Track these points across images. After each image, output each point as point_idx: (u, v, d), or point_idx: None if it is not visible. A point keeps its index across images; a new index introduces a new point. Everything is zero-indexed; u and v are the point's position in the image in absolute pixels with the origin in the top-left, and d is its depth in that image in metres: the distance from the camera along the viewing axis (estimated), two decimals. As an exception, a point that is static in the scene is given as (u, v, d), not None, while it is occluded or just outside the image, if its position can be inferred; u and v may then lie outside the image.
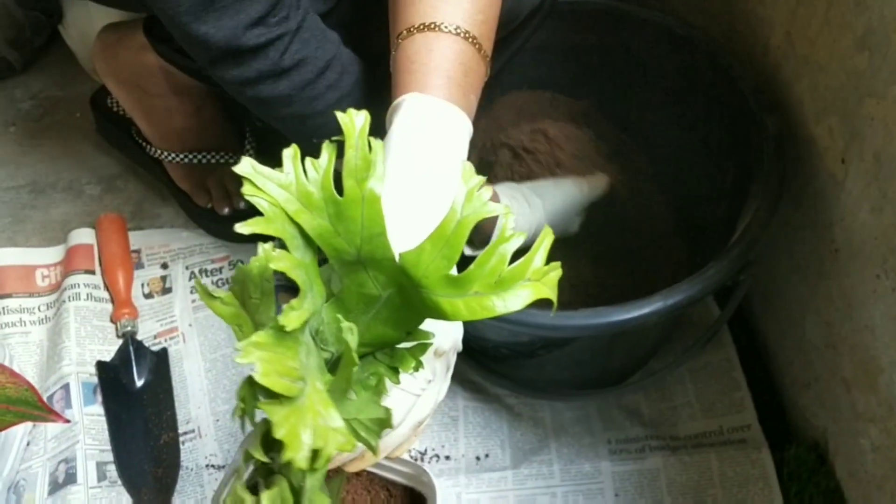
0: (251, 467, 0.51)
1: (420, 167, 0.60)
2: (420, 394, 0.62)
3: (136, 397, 0.97)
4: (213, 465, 0.94)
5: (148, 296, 1.06)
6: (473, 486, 0.91)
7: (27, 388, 0.74)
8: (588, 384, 0.95)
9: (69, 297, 1.02)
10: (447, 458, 0.93)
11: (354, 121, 0.47)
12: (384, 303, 0.50)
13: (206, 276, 1.07)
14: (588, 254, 0.98)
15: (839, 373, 0.83)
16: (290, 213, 0.45)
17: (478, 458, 0.94)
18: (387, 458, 0.65)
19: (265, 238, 0.45)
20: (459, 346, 0.64)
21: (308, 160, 0.47)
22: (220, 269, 1.07)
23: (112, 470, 0.92)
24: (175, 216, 1.13)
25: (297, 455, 0.42)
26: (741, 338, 0.99)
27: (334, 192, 0.47)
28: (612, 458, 0.92)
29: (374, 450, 0.49)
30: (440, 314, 0.47)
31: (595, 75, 1.02)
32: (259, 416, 0.46)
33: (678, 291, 0.74)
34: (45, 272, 1.07)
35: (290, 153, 0.47)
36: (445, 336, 0.62)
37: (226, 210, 1.08)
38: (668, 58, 0.96)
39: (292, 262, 0.45)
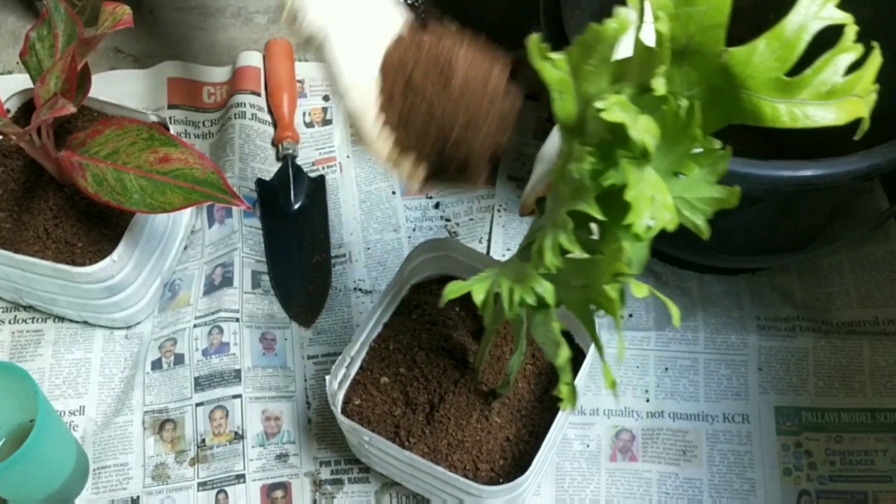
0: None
1: None
2: None
3: (292, 217, 1.00)
4: (360, 289, 0.96)
5: (308, 125, 1.07)
6: (615, 341, 0.91)
7: (213, 170, 0.76)
8: (742, 259, 0.93)
9: (235, 115, 1.04)
10: (591, 312, 0.93)
11: None
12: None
13: (366, 112, 1.08)
14: (763, 140, 0.95)
15: None
16: None
17: (620, 317, 0.93)
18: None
19: None
20: None
21: None
22: (380, 108, 1.08)
23: (266, 280, 0.95)
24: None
25: (639, 221, 0.43)
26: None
27: None
28: (761, 333, 0.91)
29: (701, 231, 0.49)
30: (757, 118, 0.46)
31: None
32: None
33: (876, 153, 0.71)
34: (212, 90, 1.10)
35: None
36: None
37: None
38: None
39: (668, 30, 0.44)
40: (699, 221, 0.49)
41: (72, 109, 0.70)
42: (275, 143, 1.05)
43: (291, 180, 1.00)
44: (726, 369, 0.90)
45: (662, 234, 0.95)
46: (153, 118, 0.89)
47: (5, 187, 0.89)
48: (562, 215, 0.46)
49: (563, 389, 0.53)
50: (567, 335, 0.80)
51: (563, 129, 0.49)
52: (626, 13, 0.44)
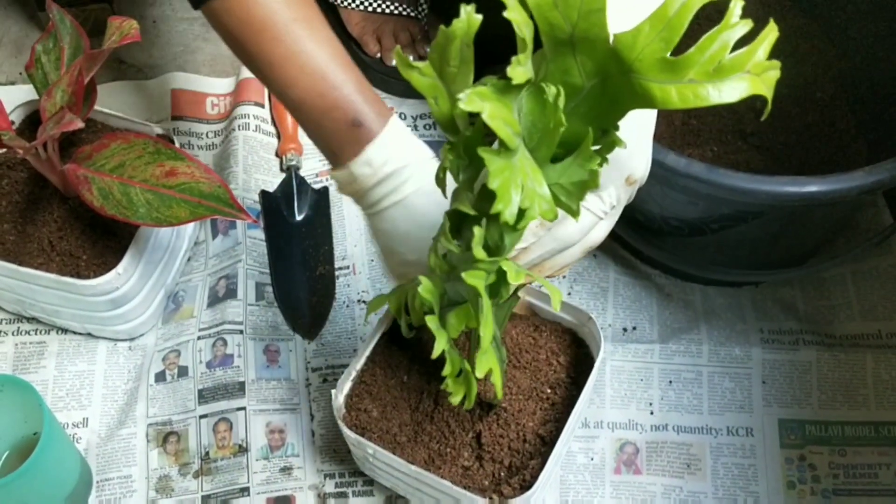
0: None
1: None
2: (602, 217, 0.62)
3: (296, 229, 1.00)
4: (364, 301, 0.96)
5: (312, 136, 1.07)
6: (619, 353, 0.91)
7: (220, 184, 0.76)
8: (745, 272, 0.93)
9: (238, 126, 1.04)
10: (595, 324, 0.94)
11: None
12: (585, 95, 0.49)
13: (370, 123, 1.08)
14: (762, 152, 0.95)
15: None
16: None
17: (625, 330, 0.94)
18: (549, 277, 0.66)
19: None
20: (644, 180, 0.64)
21: None
22: (384, 119, 1.08)
23: (270, 292, 0.95)
24: (341, 64, 1.14)
25: (507, 209, 0.43)
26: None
27: None
28: (765, 346, 0.91)
29: (574, 213, 0.49)
30: (649, 102, 0.46)
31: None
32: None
33: (881, 169, 0.72)
34: (215, 101, 1.10)
35: None
36: (641, 161, 0.62)
37: (394, 61, 1.09)
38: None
39: (520, 17, 0.44)
40: (574, 206, 0.49)
41: (79, 125, 0.70)
42: (278, 155, 1.05)
43: (295, 192, 1.00)
44: (730, 382, 0.90)
45: (667, 247, 0.95)
46: (158, 130, 0.89)
47: (9, 199, 0.89)
48: (444, 216, 0.48)
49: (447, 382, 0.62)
50: (581, 343, 0.80)
51: (445, 132, 0.50)
52: (471, 9, 0.44)
